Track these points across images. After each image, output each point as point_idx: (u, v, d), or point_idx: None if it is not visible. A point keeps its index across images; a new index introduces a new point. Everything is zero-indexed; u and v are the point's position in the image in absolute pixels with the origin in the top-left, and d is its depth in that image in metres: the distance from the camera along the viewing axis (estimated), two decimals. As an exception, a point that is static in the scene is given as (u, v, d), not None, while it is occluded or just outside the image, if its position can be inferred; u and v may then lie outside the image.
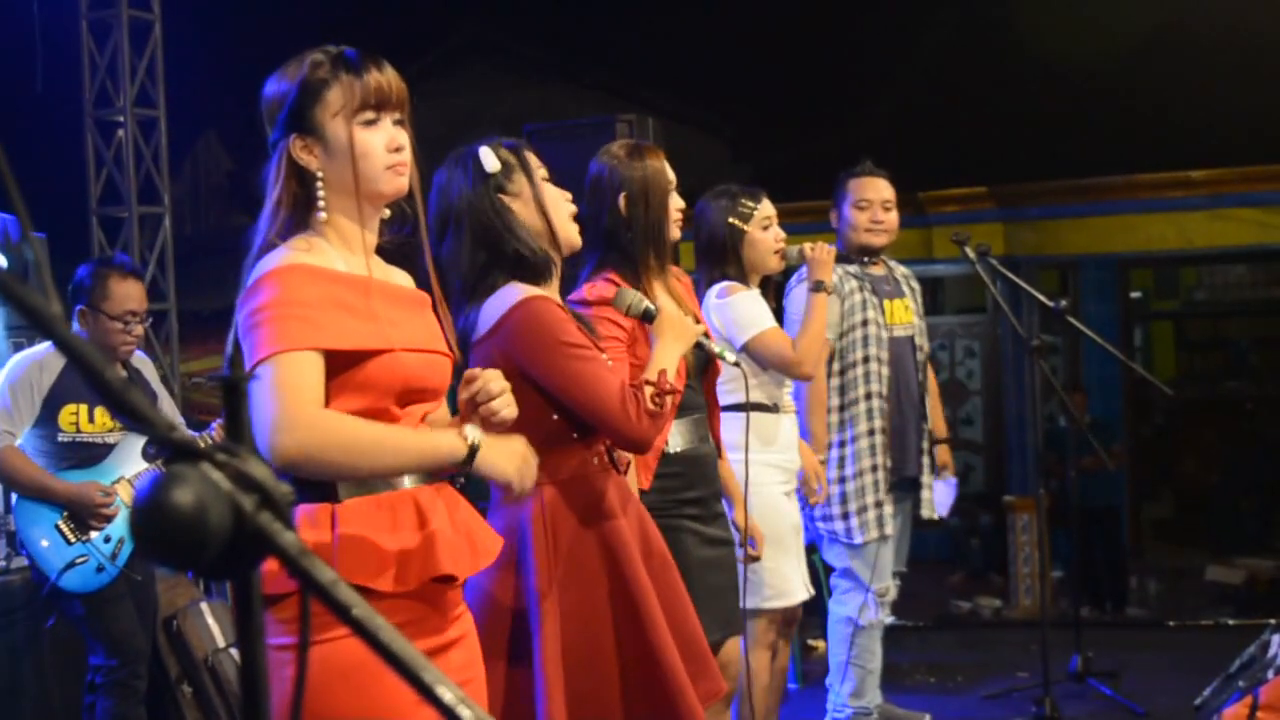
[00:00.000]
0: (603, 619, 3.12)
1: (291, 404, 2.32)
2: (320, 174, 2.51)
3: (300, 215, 2.53)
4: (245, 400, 1.17)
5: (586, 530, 3.14)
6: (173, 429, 1.11)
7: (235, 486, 1.09)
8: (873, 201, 5.51)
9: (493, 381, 2.58)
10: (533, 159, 3.24)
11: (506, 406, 2.60)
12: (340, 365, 2.42)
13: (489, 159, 3.17)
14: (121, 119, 7.75)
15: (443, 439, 2.49)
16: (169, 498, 1.07)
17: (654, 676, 3.11)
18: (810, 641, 6.98)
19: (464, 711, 1.08)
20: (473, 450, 2.50)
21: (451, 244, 3.18)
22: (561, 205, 3.24)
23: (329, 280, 2.44)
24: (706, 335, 3.55)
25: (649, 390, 3.09)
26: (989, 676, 6.72)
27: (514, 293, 3.10)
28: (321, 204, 2.51)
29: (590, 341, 3.13)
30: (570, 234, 3.26)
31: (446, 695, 1.08)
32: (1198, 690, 5.50)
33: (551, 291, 3.22)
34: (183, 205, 11.72)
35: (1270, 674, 4.86)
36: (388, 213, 2.63)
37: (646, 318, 3.44)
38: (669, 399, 3.14)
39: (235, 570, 1.13)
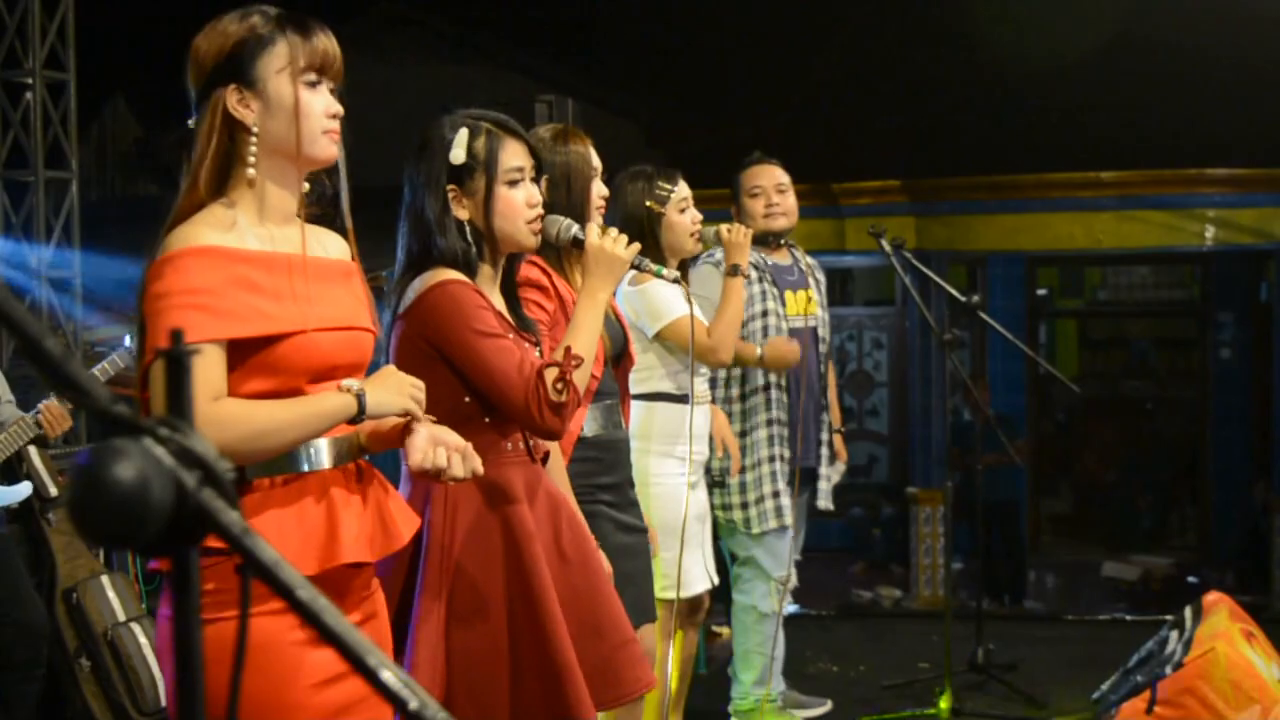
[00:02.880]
0: (497, 605, 3.09)
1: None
2: (255, 129, 2.45)
3: (223, 175, 2.47)
4: (188, 373, 1.14)
5: (488, 515, 3.10)
6: (115, 401, 1.09)
7: (177, 462, 1.07)
8: (765, 187, 5.53)
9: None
10: (510, 155, 3.16)
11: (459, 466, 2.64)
12: (249, 348, 2.39)
13: (457, 150, 3.12)
14: (30, 81, 7.60)
15: (329, 400, 2.45)
16: (110, 472, 1.04)
17: (545, 666, 3.09)
18: (715, 628, 7.01)
19: (408, 695, 1.06)
20: (360, 399, 2.47)
21: (404, 219, 3.17)
22: (519, 212, 3.16)
23: (236, 261, 2.38)
24: (641, 254, 3.48)
25: (551, 375, 3.05)
26: (890, 666, 6.77)
27: (435, 275, 3.08)
28: (252, 160, 2.45)
29: (504, 330, 3.10)
30: (520, 240, 3.19)
31: (390, 679, 1.06)
32: (1095, 684, 5.59)
33: (486, 281, 3.19)
34: (88, 171, 11.51)
35: (1168, 669, 4.95)
36: (306, 186, 2.57)
37: (576, 245, 3.40)
38: (573, 385, 3.08)
39: (175, 547, 1.10)
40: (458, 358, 3.04)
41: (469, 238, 3.13)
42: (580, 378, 3.11)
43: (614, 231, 3.36)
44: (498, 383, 3.03)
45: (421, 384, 2.61)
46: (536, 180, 3.23)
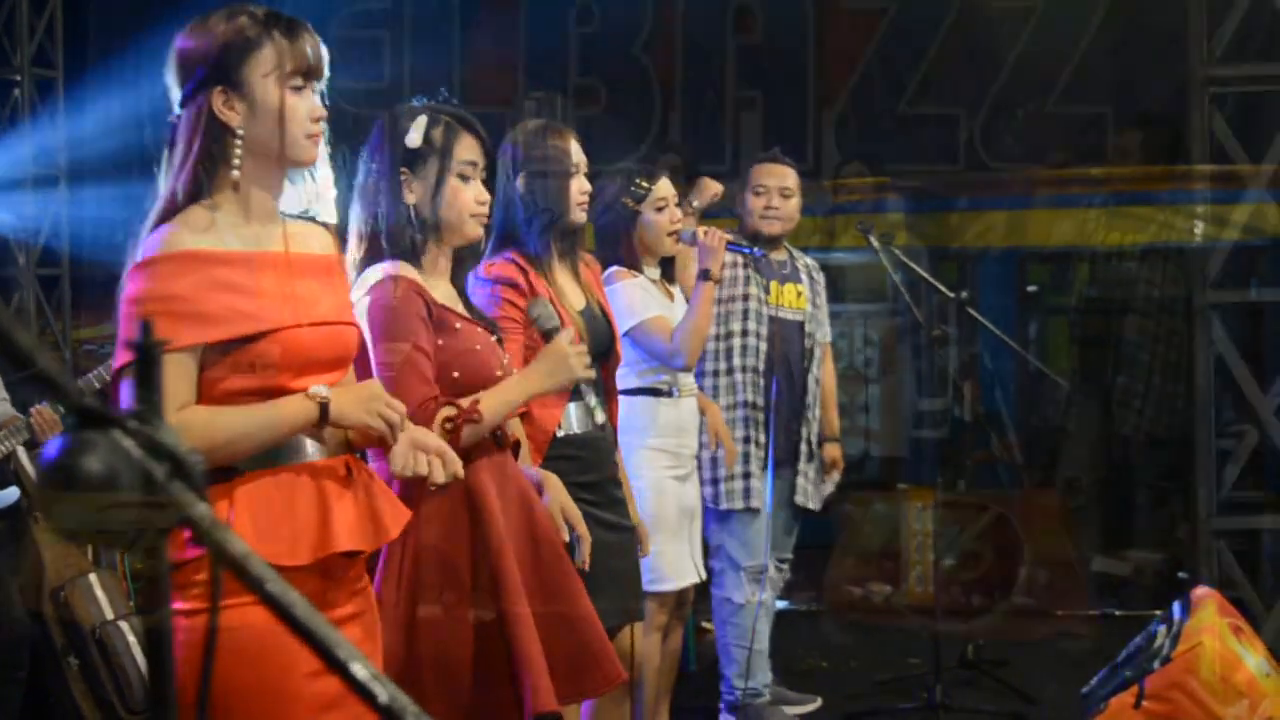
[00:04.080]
0: (462, 591, 3.11)
1: None
2: (240, 131, 2.46)
3: (204, 176, 2.47)
4: (158, 367, 1.14)
5: (450, 501, 3.11)
6: (83, 393, 1.08)
7: (146, 454, 1.07)
8: (770, 188, 5.49)
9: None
10: (464, 148, 3.21)
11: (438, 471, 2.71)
12: (229, 347, 2.40)
13: (414, 134, 3.15)
14: (18, 78, 7.58)
15: (291, 407, 2.47)
16: (78, 464, 1.03)
17: (510, 651, 3.10)
18: (704, 624, 7.00)
19: (378, 688, 1.06)
20: (323, 407, 2.48)
21: (355, 200, 3.21)
22: (466, 206, 3.21)
23: (215, 263, 2.40)
24: (588, 383, 3.52)
25: (443, 413, 3.06)
26: (881, 662, 6.77)
27: (378, 271, 3.12)
28: (237, 162, 2.46)
29: (429, 342, 3.12)
30: (464, 230, 3.24)
31: (360, 672, 1.06)
32: (1085, 679, 5.57)
33: (434, 269, 3.21)
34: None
35: (1156, 664, 4.94)
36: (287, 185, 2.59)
37: (546, 338, 3.45)
38: (459, 434, 3.08)
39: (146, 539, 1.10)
40: (375, 358, 3.08)
41: (415, 222, 3.15)
42: (470, 434, 3.10)
43: (583, 347, 3.43)
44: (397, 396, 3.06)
45: (400, 405, 2.62)
46: (488, 183, 3.26)
